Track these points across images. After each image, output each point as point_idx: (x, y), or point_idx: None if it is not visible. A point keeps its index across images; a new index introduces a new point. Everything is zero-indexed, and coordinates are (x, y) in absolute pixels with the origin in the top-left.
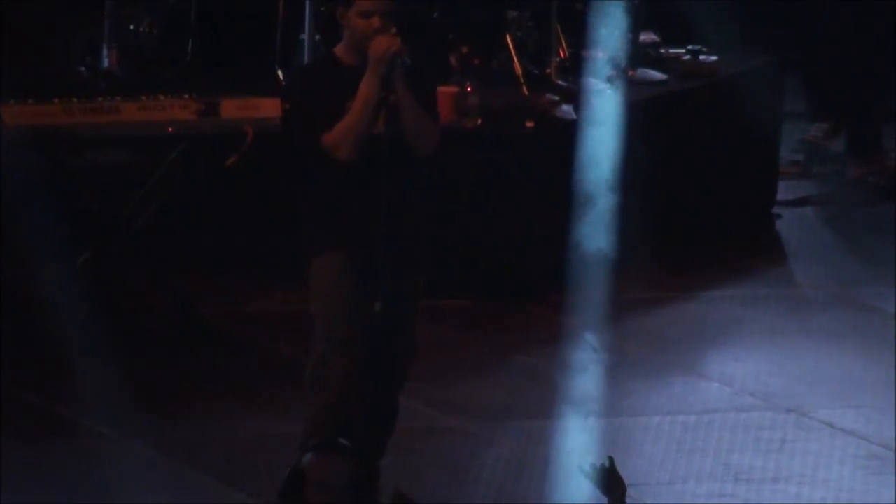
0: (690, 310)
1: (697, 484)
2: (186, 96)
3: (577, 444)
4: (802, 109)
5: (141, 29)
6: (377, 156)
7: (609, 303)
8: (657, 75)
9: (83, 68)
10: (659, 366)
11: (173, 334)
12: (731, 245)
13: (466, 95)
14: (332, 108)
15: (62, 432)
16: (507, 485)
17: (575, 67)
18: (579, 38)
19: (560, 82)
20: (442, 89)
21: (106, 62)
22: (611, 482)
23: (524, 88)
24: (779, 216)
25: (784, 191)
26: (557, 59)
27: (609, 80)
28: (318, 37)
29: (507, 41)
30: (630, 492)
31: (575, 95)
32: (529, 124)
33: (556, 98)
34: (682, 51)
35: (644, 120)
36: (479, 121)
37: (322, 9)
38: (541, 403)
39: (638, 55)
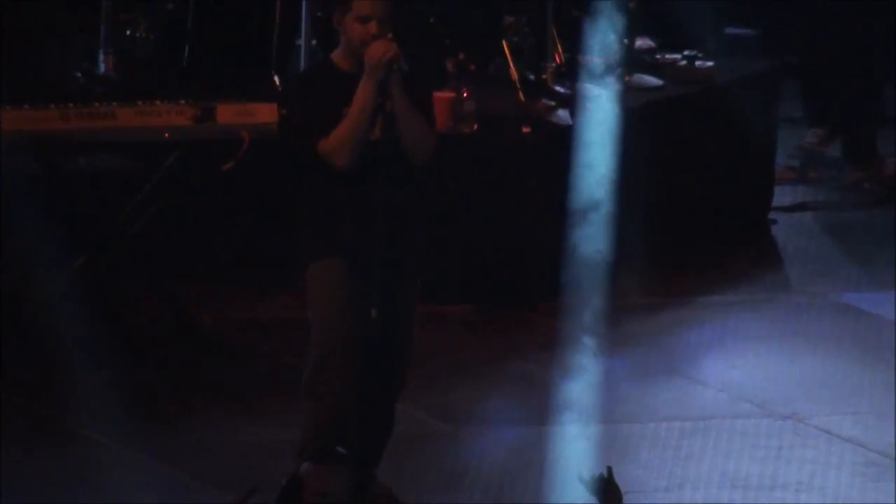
0: (687, 315)
1: (694, 491)
2: (183, 102)
3: (573, 451)
4: (798, 115)
5: (137, 34)
6: (374, 162)
7: (606, 308)
8: (653, 81)
9: (79, 73)
10: (655, 371)
11: (169, 340)
12: (727, 250)
13: (463, 101)
14: (328, 115)
15: (58, 438)
16: (504, 491)
17: (571, 73)
18: (575, 43)
19: (556, 88)
20: (438, 95)
21: (102, 67)
22: (608, 492)
23: (520, 94)
24: (775, 222)
25: (780, 196)
26: (554, 65)
27: (605, 85)
28: (314, 42)
29: (503, 46)
30: (626, 499)
31: (571, 101)
32: (526, 130)
33: (553, 103)
34: (678, 56)
35: (640, 125)
36: (476, 126)
37: (319, 14)
38: (538, 409)
39: (634, 61)
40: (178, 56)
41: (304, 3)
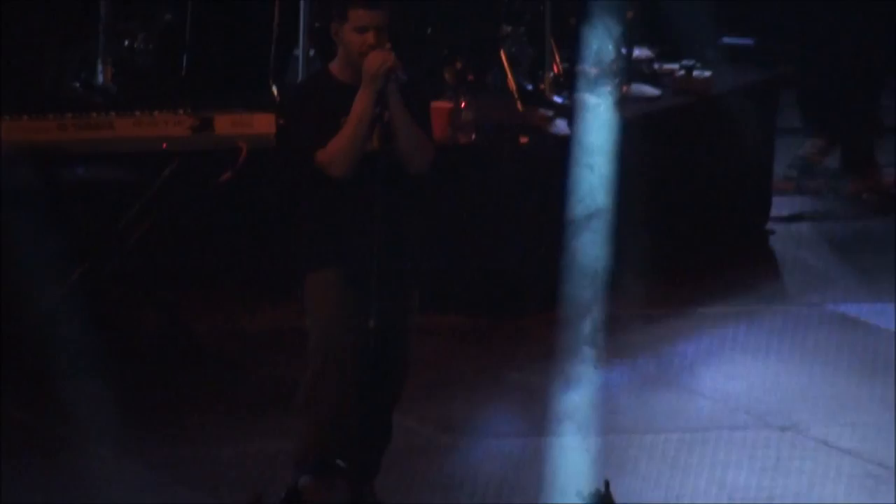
0: (685, 326)
1: (692, 502)
2: (181, 112)
3: (571, 462)
4: (796, 125)
5: (135, 44)
6: (371, 172)
7: (603, 319)
8: (651, 91)
9: (77, 84)
10: (653, 383)
11: (166, 351)
12: (724, 261)
13: (461, 111)
14: (326, 125)
15: (55, 450)
16: (501, 502)
17: (569, 83)
18: (573, 53)
19: (554, 98)
20: (436, 105)
21: (100, 78)
22: None
23: (518, 104)
24: (773, 232)
25: (778, 207)
26: (552, 75)
27: (603, 94)
28: (312, 53)
29: (501, 56)
30: None
31: (569, 111)
32: (524, 140)
33: (551, 113)
34: (676, 66)
35: (638, 135)
36: (474, 136)
37: (316, 24)
38: (535, 420)
39: (632, 70)
40: (175, 66)
41: (301, 14)
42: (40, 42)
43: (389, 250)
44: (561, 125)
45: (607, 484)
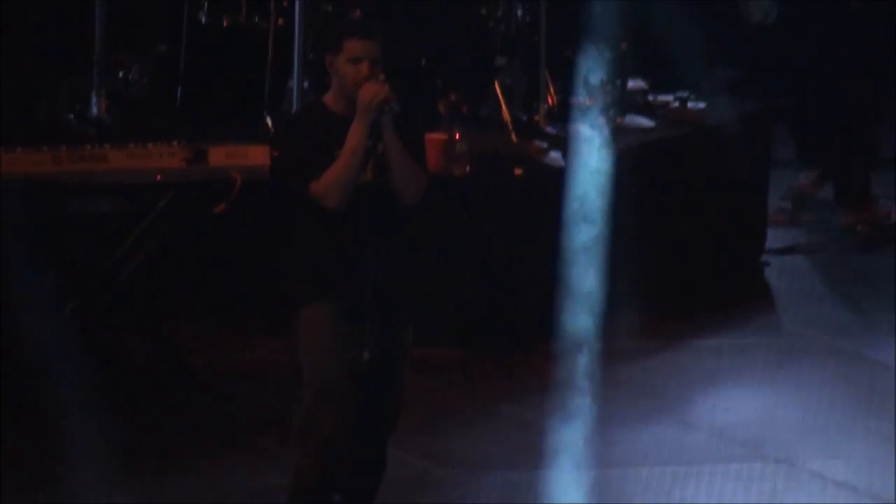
0: (679, 359)
1: None
2: (175, 144)
3: (566, 495)
4: (790, 157)
5: (130, 76)
6: (365, 204)
7: (598, 351)
8: (645, 122)
9: (72, 116)
10: (648, 415)
11: (160, 384)
12: (719, 293)
13: (455, 142)
14: (320, 157)
15: (48, 482)
16: None
17: (563, 114)
18: (568, 84)
19: (549, 129)
20: (430, 136)
21: (95, 110)
22: None
23: (513, 135)
24: (767, 264)
25: (772, 239)
26: (546, 106)
27: (597, 126)
28: (306, 84)
29: (495, 88)
30: None
31: (564, 142)
32: (518, 171)
33: (545, 145)
34: (671, 98)
35: (632, 167)
36: (468, 168)
37: (310, 56)
38: (529, 454)
39: (626, 102)
40: (170, 98)
41: (296, 45)
42: (35, 73)
43: (383, 283)
44: (555, 157)
45: None
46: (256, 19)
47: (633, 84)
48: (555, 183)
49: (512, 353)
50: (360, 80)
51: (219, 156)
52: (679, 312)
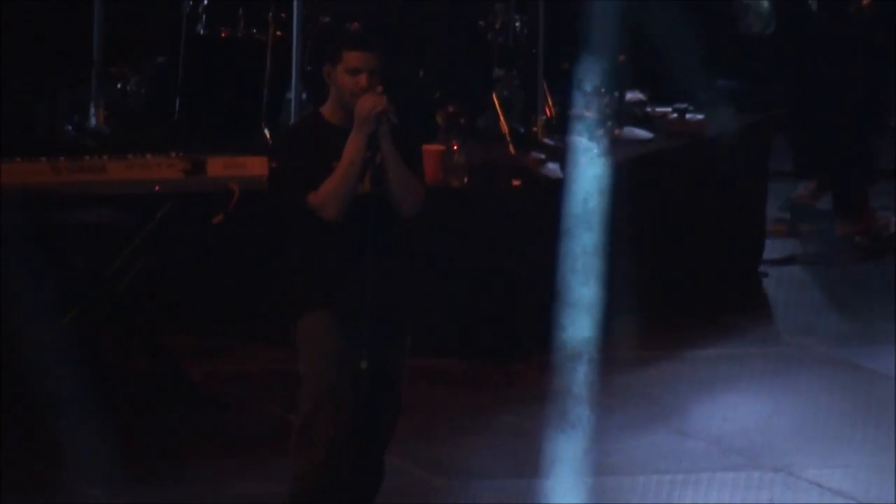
0: (677, 368)
1: None
2: (173, 155)
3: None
4: (788, 168)
5: (128, 87)
6: (363, 215)
7: (596, 361)
8: (644, 134)
9: (70, 127)
10: (645, 424)
11: (159, 393)
12: (717, 303)
13: (453, 154)
14: (318, 168)
15: (48, 492)
16: None
17: (561, 126)
18: (566, 96)
19: (546, 140)
20: (428, 148)
21: (93, 121)
22: None
23: (511, 147)
24: (766, 275)
25: (771, 249)
26: (544, 118)
27: (595, 137)
28: (304, 96)
29: (493, 99)
30: None
31: (561, 154)
32: (516, 183)
33: (543, 156)
34: (669, 109)
35: (630, 178)
36: (466, 179)
37: (308, 67)
38: (526, 462)
39: (624, 113)
40: (168, 109)
41: (294, 57)
42: (34, 85)
43: (381, 292)
44: (553, 168)
45: None
46: (254, 31)
47: (631, 95)
48: (552, 194)
49: (510, 363)
50: (358, 91)
51: (217, 167)
52: (677, 322)
